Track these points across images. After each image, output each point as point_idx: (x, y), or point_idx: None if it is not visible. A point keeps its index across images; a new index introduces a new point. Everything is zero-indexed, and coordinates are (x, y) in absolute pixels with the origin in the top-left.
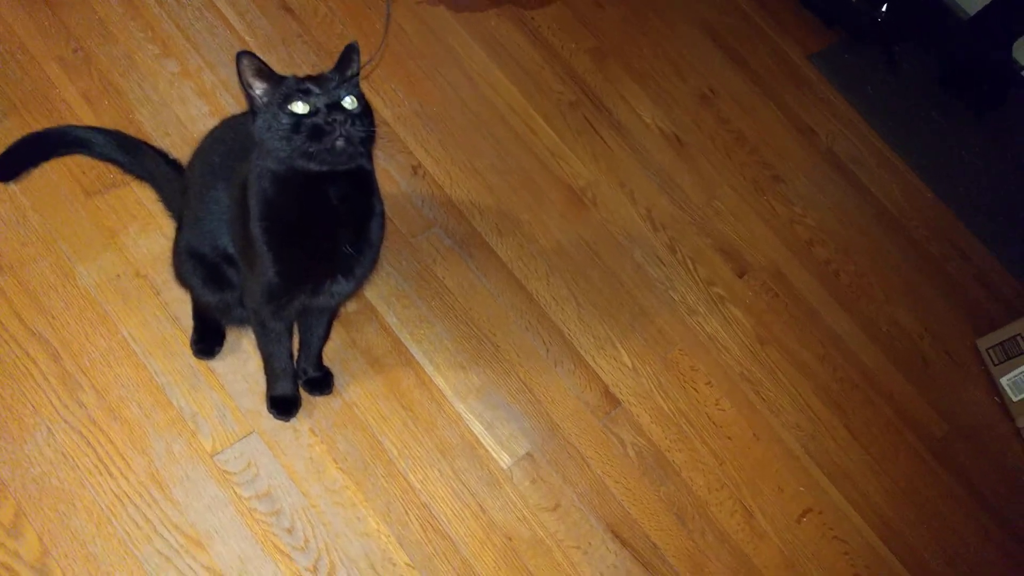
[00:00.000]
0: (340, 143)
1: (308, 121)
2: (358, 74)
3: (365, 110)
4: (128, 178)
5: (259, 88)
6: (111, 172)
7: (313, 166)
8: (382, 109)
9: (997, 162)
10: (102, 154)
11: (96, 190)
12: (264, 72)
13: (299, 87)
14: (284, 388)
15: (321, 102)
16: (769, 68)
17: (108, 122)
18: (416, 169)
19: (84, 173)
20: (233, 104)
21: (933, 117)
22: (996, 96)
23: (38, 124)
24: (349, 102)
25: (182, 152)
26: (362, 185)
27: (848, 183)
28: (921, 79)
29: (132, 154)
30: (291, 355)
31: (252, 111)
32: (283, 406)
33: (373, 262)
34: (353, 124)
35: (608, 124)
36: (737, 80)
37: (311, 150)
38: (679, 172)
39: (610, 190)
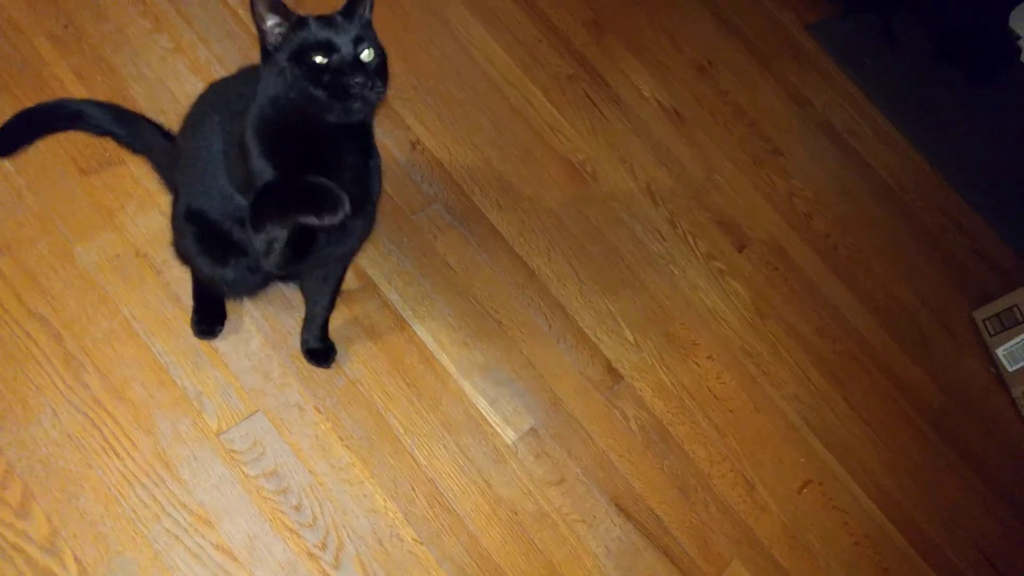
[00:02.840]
0: (357, 105)
1: (328, 77)
2: (370, 13)
3: (382, 62)
4: (124, 155)
5: (272, 21)
6: (106, 150)
7: (325, 117)
8: None
9: (994, 133)
10: (98, 127)
11: (92, 168)
12: (280, 7)
13: (319, 37)
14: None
15: (342, 58)
16: (766, 39)
17: (102, 99)
18: (415, 145)
19: (79, 151)
20: None
21: (930, 88)
22: (993, 66)
23: (30, 101)
24: (367, 55)
25: (177, 128)
26: (363, 128)
27: (846, 156)
28: (918, 50)
29: (129, 126)
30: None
31: (263, 49)
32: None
33: (373, 215)
34: (372, 86)
35: (607, 98)
36: (735, 52)
37: (326, 104)
38: (678, 146)
39: (610, 164)
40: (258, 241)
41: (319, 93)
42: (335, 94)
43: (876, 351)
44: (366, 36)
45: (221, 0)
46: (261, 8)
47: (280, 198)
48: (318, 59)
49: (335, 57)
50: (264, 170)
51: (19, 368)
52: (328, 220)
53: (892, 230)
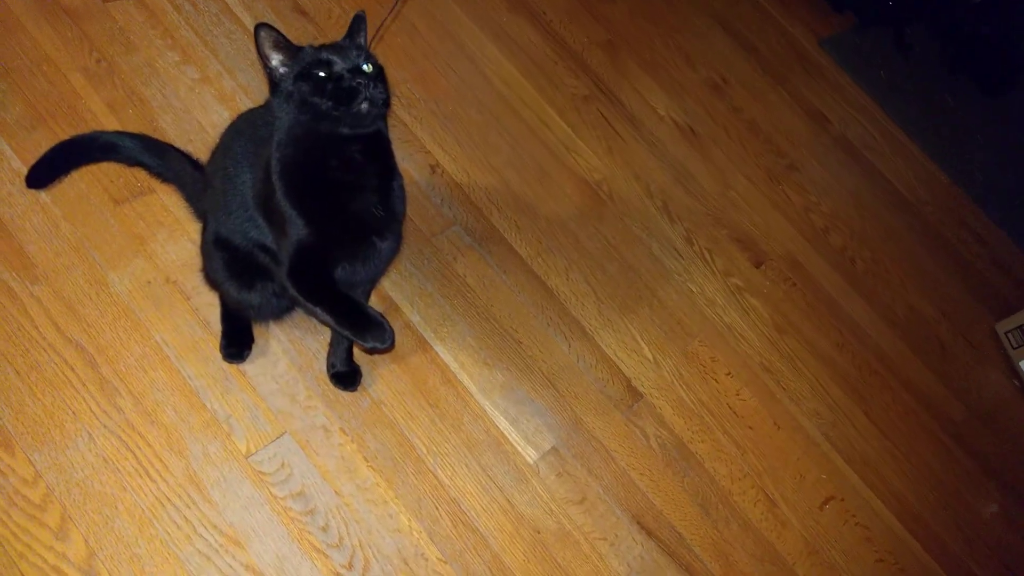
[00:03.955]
0: (365, 106)
1: (331, 86)
2: (367, 43)
3: (381, 73)
4: (154, 184)
5: (277, 59)
6: (138, 180)
7: (338, 129)
8: (399, 110)
9: (1011, 144)
10: (130, 158)
11: (124, 198)
12: (282, 43)
13: (319, 56)
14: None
15: (343, 68)
16: (780, 55)
17: (133, 130)
18: (434, 168)
19: (112, 182)
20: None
21: (946, 100)
22: (1008, 77)
23: (65, 134)
24: (367, 67)
25: (205, 157)
26: (381, 148)
27: (862, 169)
28: (932, 62)
29: (159, 157)
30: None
31: (271, 83)
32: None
33: (399, 234)
34: (375, 87)
35: (622, 117)
36: (748, 68)
37: (336, 114)
38: (694, 163)
39: (626, 183)
40: (298, 304)
41: (325, 103)
42: (340, 99)
43: (896, 365)
44: (363, 52)
45: (245, 31)
46: (266, 48)
47: (332, 305)
48: (321, 73)
49: (336, 68)
50: (295, 220)
51: (56, 394)
52: (371, 344)
53: (910, 243)
